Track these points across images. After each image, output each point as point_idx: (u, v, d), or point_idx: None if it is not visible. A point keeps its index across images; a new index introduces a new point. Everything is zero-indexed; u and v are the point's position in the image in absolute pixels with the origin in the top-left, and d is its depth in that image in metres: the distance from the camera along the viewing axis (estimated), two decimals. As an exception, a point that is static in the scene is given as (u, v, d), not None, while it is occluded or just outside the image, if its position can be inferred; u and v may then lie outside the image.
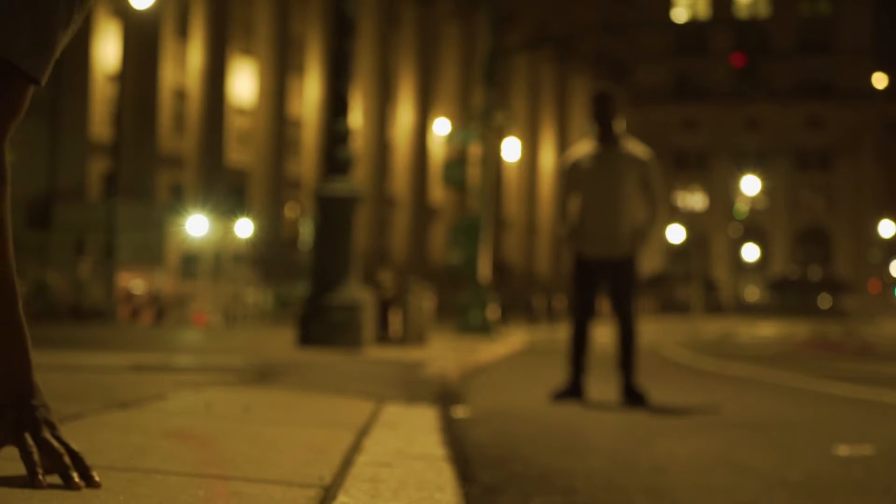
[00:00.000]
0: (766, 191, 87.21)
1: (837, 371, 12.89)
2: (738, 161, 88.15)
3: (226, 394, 4.87)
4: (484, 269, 23.37)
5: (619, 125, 7.84)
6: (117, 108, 34.43)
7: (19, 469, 2.11)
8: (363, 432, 3.63)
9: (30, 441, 2.13)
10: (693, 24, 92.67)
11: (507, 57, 38.01)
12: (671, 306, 66.65)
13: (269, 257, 43.21)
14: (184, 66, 45.52)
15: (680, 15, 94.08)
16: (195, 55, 46.00)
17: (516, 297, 46.41)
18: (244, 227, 41.72)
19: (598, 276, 7.79)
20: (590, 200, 7.78)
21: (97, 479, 2.15)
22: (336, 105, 12.22)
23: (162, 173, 44.45)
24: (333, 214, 11.68)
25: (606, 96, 7.85)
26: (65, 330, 21.08)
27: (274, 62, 48.74)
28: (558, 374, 8.89)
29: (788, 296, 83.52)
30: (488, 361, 13.63)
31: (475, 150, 24.17)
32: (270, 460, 2.76)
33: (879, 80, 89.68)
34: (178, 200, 42.53)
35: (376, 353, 11.20)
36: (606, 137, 7.80)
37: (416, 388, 6.48)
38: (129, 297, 35.73)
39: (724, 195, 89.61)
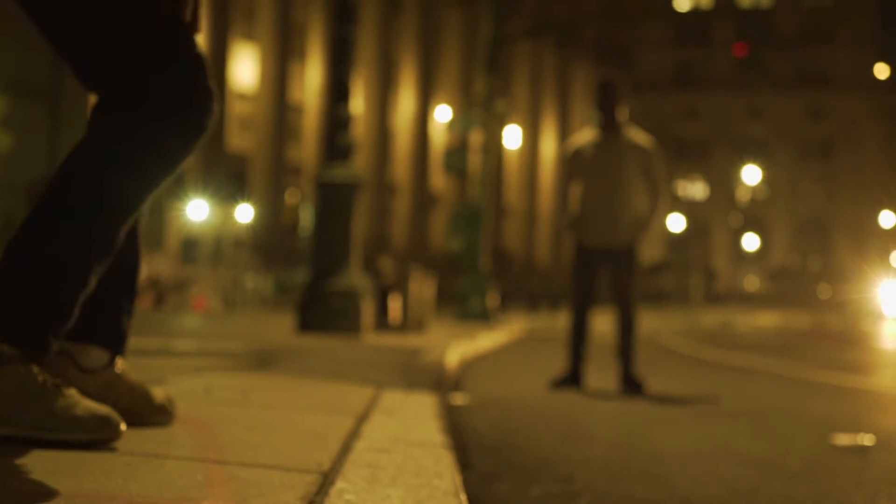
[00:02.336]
0: (767, 180, 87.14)
1: (836, 361, 12.90)
2: (740, 150, 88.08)
3: (225, 379, 4.87)
4: (484, 256, 23.37)
5: (623, 114, 7.82)
6: (118, 92, 34.37)
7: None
8: (362, 418, 3.63)
9: None
10: (695, 14, 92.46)
11: (509, 44, 37.96)
12: (671, 295, 66.63)
13: (270, 243, 43.22)
14: (185, 50, 45.44)
15: (682, 4, 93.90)
16: (197, 40, 45.90)
17: (516, 284, 46.41)
18: (244, 213, 41.72)
19: (599, 265, 7.78)
20: (591, 189, 7.77)
21: None
22: (337, 91, 12.20)
23: (162, 158, 44.36)
24: (334, 201, 11.66)
25: (611, 84, 7.82)
26: (64, 314, 21.03)
27: (275, 48, 48.68)
28: (557, 362, 8.89)
29: (788, 286, 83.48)
30: (487, 349, 13.64)
31: (476, 138, 24.13)
32: (269, 445, 2.76)
33: (881, 71, 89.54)
34: (178, 185, 42.48)
35: (376, 340, 11.21)
36: (609, 126, 7.78)
37: (415, 374, 6.48)
38: (129, 281, 35.67)
39: (724, 185, 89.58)
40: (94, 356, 2.75)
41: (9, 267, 2.42)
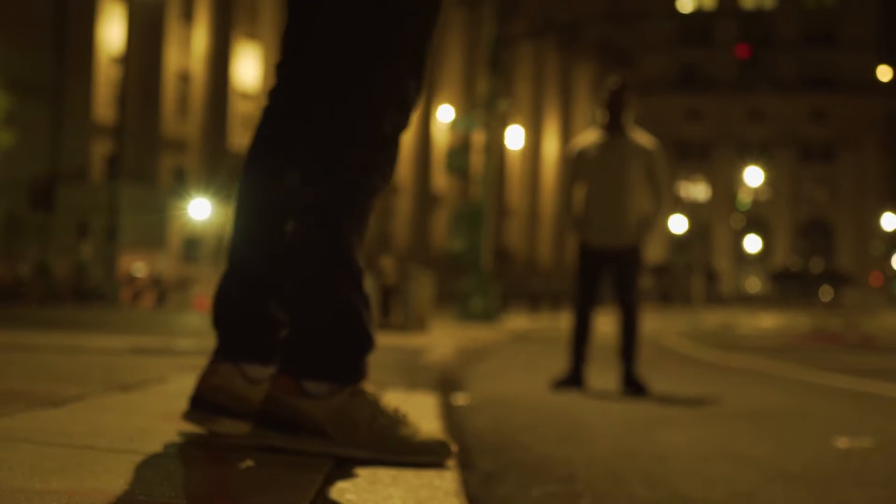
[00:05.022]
0: (769, 182, 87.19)
1: (838, 363, 12.90)
2: (742, 152, 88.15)
3: (226, 378, 4.86)
4: (486, 256, 23.38)
5: (629, 116, 7.84)
6: (121, 90, 34.43)
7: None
8: (363, 418, 3.63)
9: None
10: (698, 15, 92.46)
11: (512, 45, 37.98)
12: (673, 296, 66.66)
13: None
14: (188, 49, 45.47)
15: (685, 5, 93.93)
16: (200, 39, 45.93)
17: (518, 284, 46.41)
18: (246, 212, 41.55)
19: (603, 265, 7.79)
20: (595, 189, 7.78)
21: None
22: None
23: (165, 156, 44.44)
24: (336, 200, 11.64)
25: (623, 87, 7.85)
26: (66, 312, 21.10)
27: (278, 47, 48.70)
28: (559, 363, 8.89)
29: (790, 287, 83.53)
30: (489, 349, 13.64)
31: (479, 138, 24.14)
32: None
33: (884, 73, 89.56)
34: (180, 184, 42.51)
35: (377, 340, 11.19)
36: (614, 127, 7.80)
37: (417, 374, 6.48)
38: (131, 279, 35.77)
39: (727, 186, 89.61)
40: (316, 386, 2.74)
41: (315, 310, 2.66)
